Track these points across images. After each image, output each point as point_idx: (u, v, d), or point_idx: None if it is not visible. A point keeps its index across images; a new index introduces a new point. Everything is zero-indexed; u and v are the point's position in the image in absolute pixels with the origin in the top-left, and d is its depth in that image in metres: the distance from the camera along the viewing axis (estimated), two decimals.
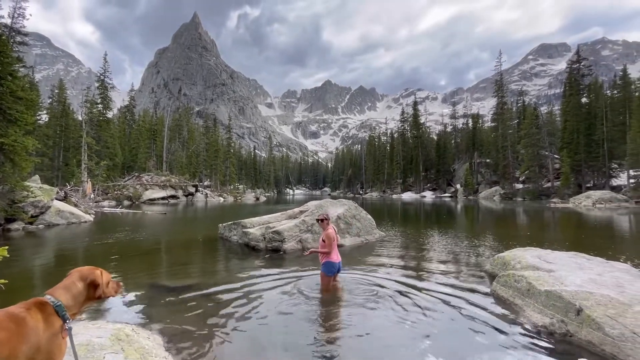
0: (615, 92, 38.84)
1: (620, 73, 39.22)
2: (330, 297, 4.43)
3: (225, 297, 4.40)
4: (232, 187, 53.52)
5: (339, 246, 5.39)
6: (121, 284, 1.96)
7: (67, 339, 1.58)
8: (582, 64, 40.11)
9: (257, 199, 47.54)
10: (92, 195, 24.51)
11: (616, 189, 33.39)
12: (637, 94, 35.27)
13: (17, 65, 12.93)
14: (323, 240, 4.67)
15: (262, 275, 5.45)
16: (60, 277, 1.73)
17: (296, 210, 9.58)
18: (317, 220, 4.90)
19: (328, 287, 4.66)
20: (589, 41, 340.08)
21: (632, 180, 32.02)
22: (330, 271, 4.63)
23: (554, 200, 32.87)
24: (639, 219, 15.72)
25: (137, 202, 29.42)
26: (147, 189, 33.27)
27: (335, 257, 4.66)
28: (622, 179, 36.24)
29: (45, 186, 13.61)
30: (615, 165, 36.58)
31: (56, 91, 41.34)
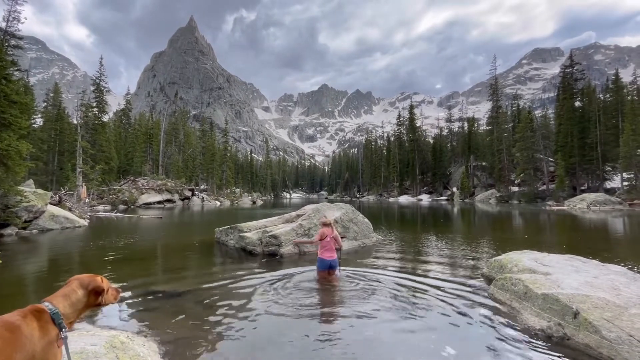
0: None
1: (613, 77, 39.82)
2: (327, 300, 4.44)
3: (222, 302, 4.36)
4: (228, 191, 53.33)
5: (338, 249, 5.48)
6: (120, 290, 1.94)
7: (63, 347, 1.56)
8: (575, 68, 40.76)
9: (254, 202, 47.43)
10: (87, 200, 24.30)
11: (610, 191, 33.73)
12: (629, 97, 35.83)
13: (11, 68, 12.85)
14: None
15: (259, 280, 5.41)
16: (53, 283, 1.72)
17: (293, 214, 9.55)
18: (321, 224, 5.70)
19: (321, 280, 5.19)
20: (582, 46, 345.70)
21: (625, 183, 32.42)
22: (320, 266, 5.22)
23: (549, 202, 33.13)
24: (633, 222, 15.88)
25: (132, 207, 29.20)
26: (142, 193, 33.05)
27: (327, 254, 5.16)
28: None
29: (40, 191, 13.47)
30: (609, 168, 36.98)
31: (51, 95, 41.16)
